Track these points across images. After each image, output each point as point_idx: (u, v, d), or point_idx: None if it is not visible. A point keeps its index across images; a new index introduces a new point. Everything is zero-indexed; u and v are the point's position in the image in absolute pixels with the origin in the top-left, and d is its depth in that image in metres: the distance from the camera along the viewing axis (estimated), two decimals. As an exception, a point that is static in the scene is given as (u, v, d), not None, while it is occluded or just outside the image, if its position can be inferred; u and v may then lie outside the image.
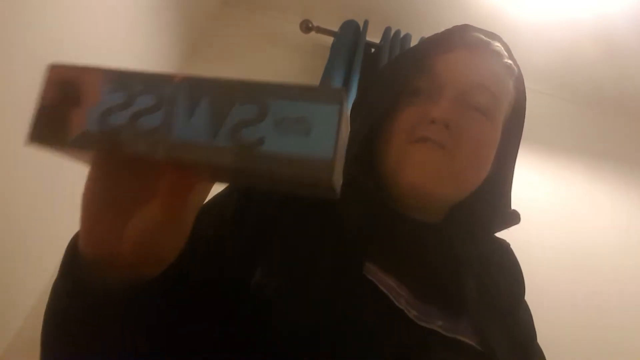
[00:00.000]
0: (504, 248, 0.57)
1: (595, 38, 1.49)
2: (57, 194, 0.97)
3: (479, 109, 0.48)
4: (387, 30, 1.54)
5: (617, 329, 1.36)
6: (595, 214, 1.58)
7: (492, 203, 0.54)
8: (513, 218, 0.53)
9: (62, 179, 0.97)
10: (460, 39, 0.52)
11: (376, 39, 1.57)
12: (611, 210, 1.60)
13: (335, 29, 1.56)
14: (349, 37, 1.53)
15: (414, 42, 1.52)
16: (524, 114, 0.56)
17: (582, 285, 1.42)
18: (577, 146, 1.70)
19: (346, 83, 1.39)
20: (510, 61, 0.53)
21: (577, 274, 1.43)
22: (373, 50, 1.56)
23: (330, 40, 1.57)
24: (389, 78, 0.55)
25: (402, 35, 1.54)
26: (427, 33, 0.62)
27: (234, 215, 0.45)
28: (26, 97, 0.79)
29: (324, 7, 1.63)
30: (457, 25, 0.54)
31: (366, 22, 1.56)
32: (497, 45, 0.53)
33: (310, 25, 1.57)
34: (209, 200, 0.49)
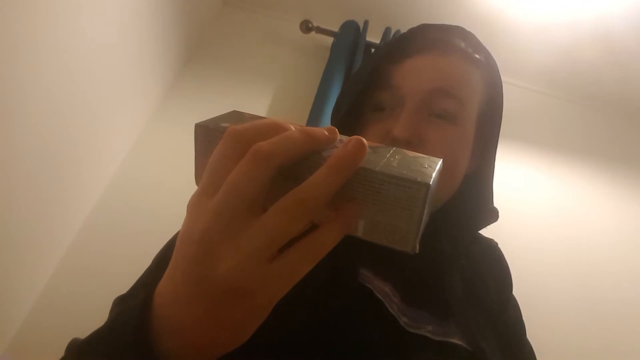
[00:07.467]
0: (492, 247, 0.57)
1: (595, 38, 1.49)
2: (56, 194, 0.97)
3: (442, 115, 0.47)
4: (387, 30, 1.54)
5: (617, 330, 1.36)
6: (596, 214, 1.57)
7: (474, 201, 0.53)
8: (492, 215, 0.52)
9: (61, 180, 0.97)
10: (415, 43, 0.50)
11: (376, 39, 1.57)
12: (612, 209, 1.60)
13: (335, 29, 1.56)
14: (349, 37, 1.53)
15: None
16: (500, 106, 0.53)
17: (583, 285, 1.42)
18: (577, 146, 1.70)
19: (346, 83, 1.39)
20: (477, 55, 0.50)
21: (579, 275, 1.43)
22: (373, 50, 1.56)
23: (330, 40, 1.57)
24: (353, 91, 0.52)
25: (402, 35, 1.54)
26: (427, 33, 0.62)
27: None
28: (26, 99, 0.79)
29: (324, 7, 1.63)
30: (413, 28, 0.52)
31: (366, 22, 1.56)
32: (458, 41, 0.50)
33: (310, 25, 1.57)
34: None
